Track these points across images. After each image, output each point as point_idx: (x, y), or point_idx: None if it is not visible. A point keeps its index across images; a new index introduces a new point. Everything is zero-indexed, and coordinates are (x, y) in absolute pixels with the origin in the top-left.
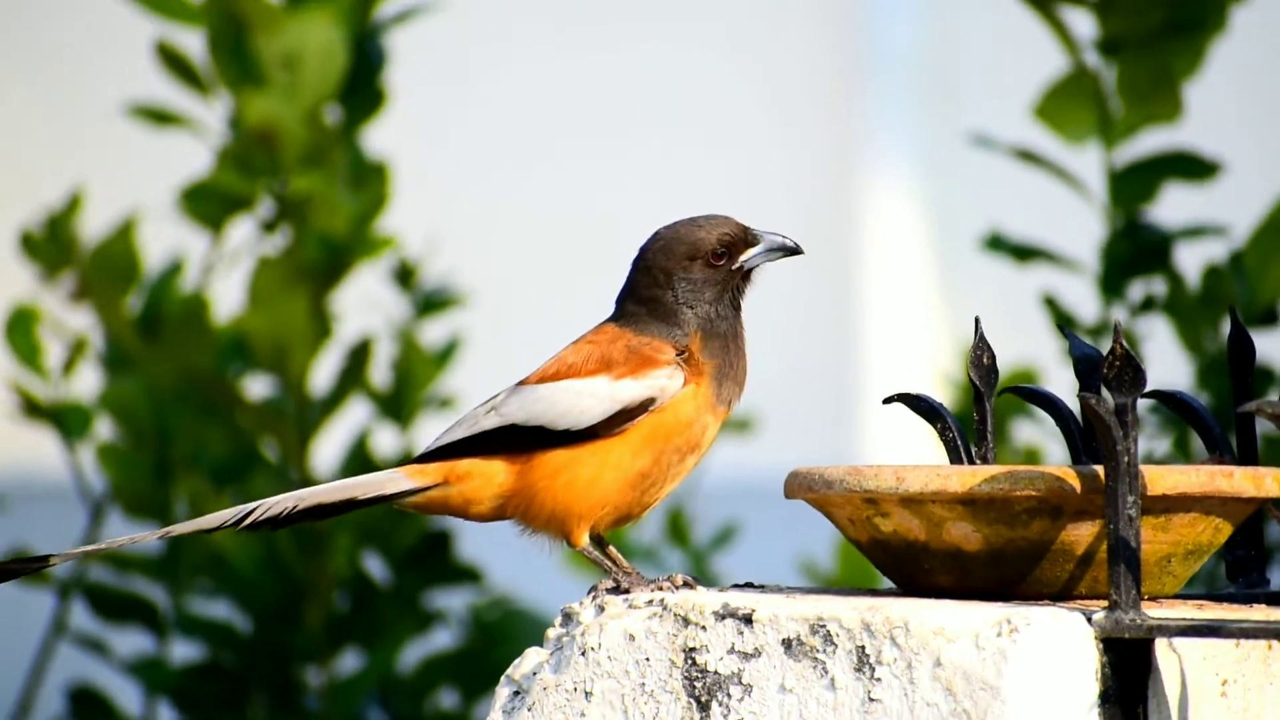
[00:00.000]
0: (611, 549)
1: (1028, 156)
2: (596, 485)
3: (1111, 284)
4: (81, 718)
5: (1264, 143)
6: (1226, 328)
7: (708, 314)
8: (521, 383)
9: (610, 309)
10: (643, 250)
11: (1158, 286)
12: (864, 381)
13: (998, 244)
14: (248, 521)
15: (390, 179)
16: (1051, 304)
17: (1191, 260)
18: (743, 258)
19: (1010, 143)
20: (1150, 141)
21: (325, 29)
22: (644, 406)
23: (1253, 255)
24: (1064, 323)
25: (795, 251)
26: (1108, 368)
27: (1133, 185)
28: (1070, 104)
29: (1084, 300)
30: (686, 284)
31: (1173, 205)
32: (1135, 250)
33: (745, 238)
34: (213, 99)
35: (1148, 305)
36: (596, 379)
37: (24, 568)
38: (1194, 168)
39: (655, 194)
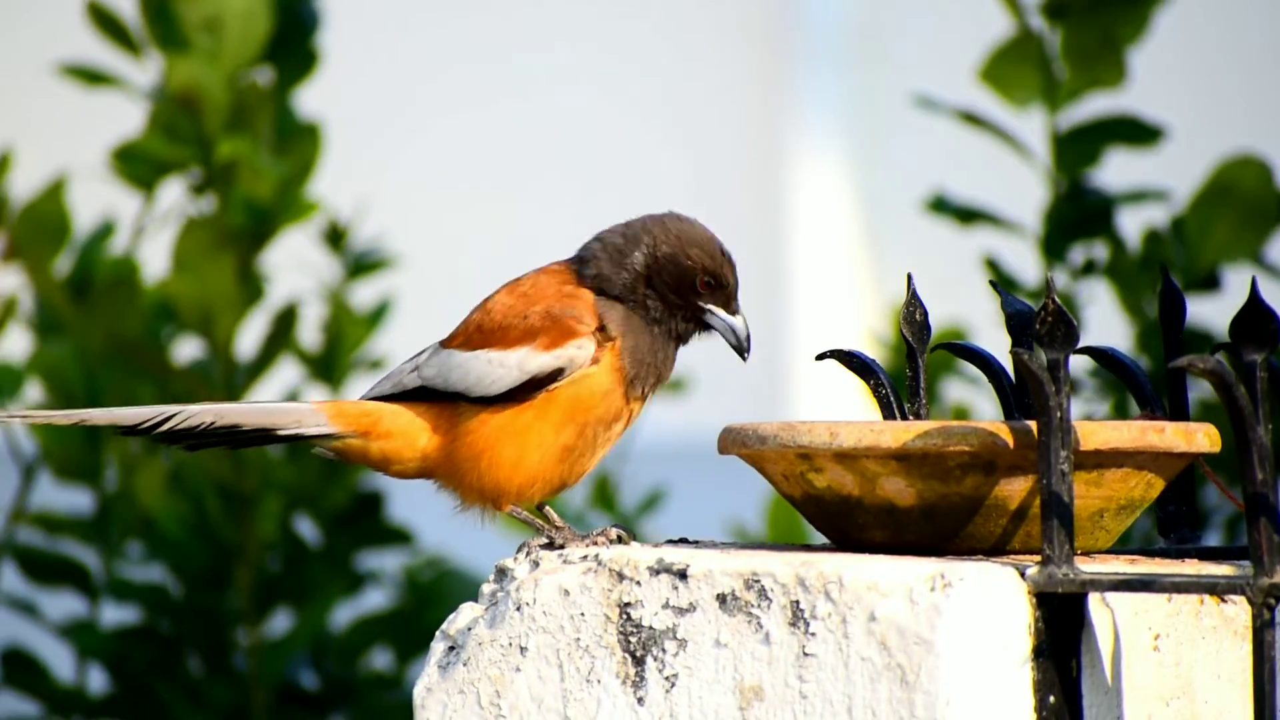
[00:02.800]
0: (548, 509)
1: (972, 119)
2: (522, 464)
3: (1053, 247)
4: (13, 680)
5: (1206, 108)
6: None
7: (648, 313)
8: (445, 342)
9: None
10: (647, 225)
11: (1099, 251)
12: (793, 342)
13: (941, 206)
14: (165, 426)
15: (321, 141)
16: (993, 266)
17: (1134, 225)
18: (708, 306)
19: (955, 105)
20: (1094, 106)
21: None
22: (553, 377)
23: (1192, 220)
24: (1005, 285)
25: (741, 350)
26: (1040, 323)
27: (1076, 149)
28: (1015, 68)
29: (1023, 264)
30: (662, 272)
31: (1115, 170)
32: (1078, 214)
33: (726, 288)
34: (144, 59)
35: (1089, 269)
36: (515, 352)
37: None
38: (1138, 132)
39: (584, 156)
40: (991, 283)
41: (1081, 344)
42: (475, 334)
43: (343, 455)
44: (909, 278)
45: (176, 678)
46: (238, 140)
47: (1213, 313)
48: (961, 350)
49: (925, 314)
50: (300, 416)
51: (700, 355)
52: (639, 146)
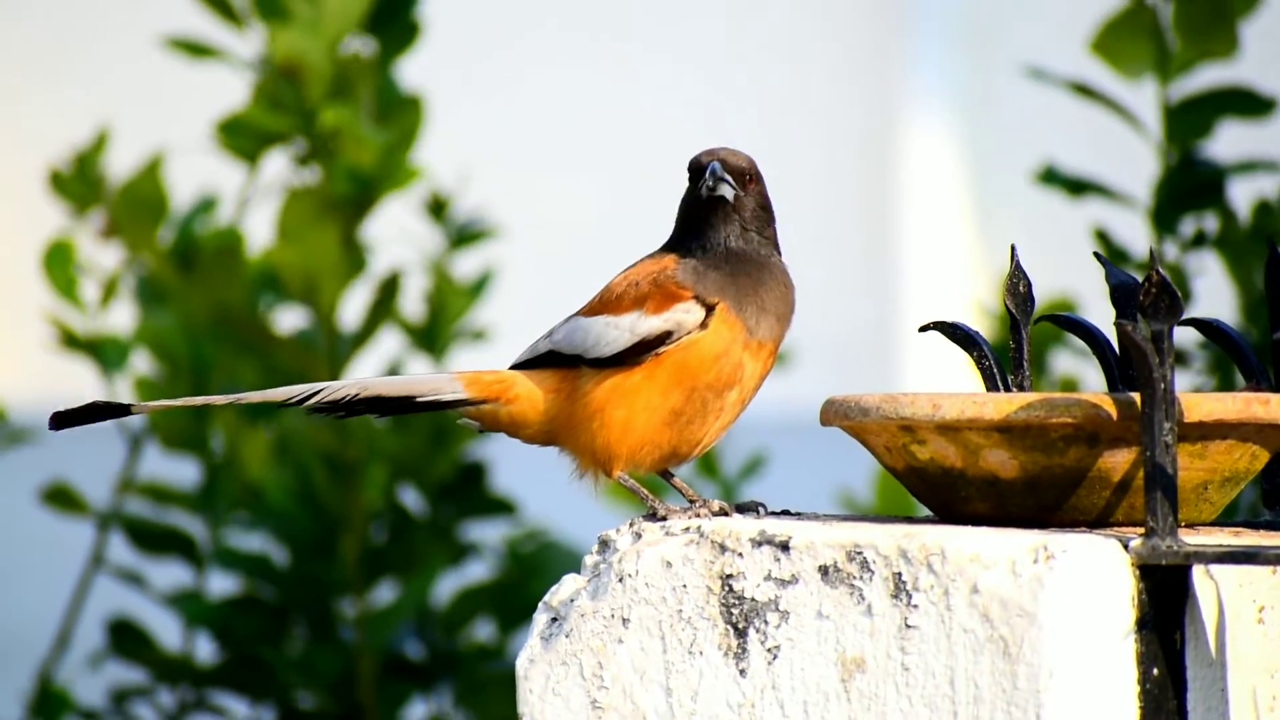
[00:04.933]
0: (677, 479)
1: (1083, 90)
2: (631, 427)
3: (1164, 219)
4: (121, 649)
5: None
6: None
7: (694, 242)
8: (576, 313)
9: (639, 242)
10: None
11: (1210, 222)
12: (900, 314)
13: (1051, 177)
14: (312, 401)
15: (423, 111)
16: (1102, 238)
17: (1244, 196)
18: (698, 185)
19: (1067, 76)
20: (1205, 77)
21: None
22: (661, 339)
23: None
24: (1115, 257)
25: (710, 184)
26: (1144, 295)
27: (1188, 121)
28: (1127, 39)
29: (1133, 236)
30: (681, 209)
31: (1226, 141)
32: (1189, 185)
33: (697, 168)
34: (247, 31)
35: (1199, 240)
36: (628, 315)
37: (105, 412)
38: (1250, 104)
39: (691, 128)
40: (1096, 254)
41: (1189, 315)
42: (598, 304)
43: (482, 422)
44: (1012, 249)
45: (282, 647)
46: (340, 109)
47: None
48: (1065, 322)
49: (1029, 286)
50: (438, 385)
51: (806, 328)
52: (750, 117)
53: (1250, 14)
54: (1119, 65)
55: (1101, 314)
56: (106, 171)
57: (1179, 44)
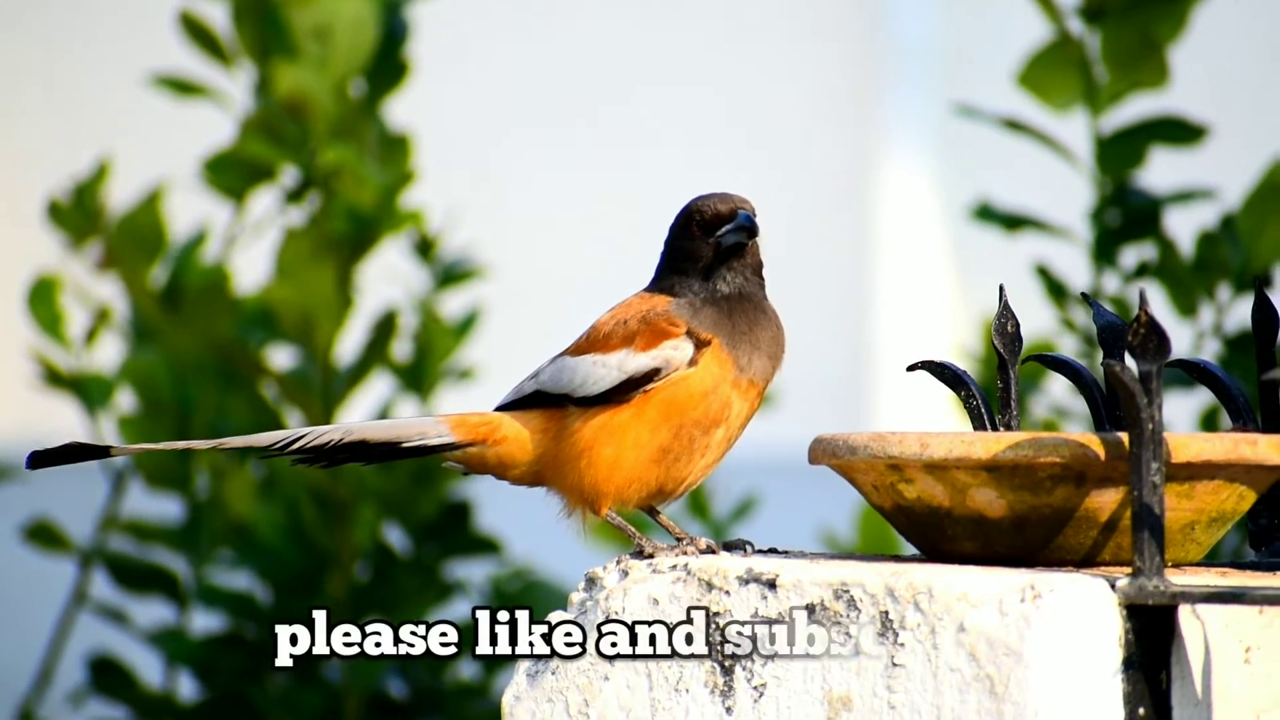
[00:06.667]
0: (664, 517)
1: (1014, 125)
2: (619, 464)
3: (1103, 251)
4: (102, 687)
5: (1250, 105)
6: (1222, 294)
7: (693, 285)
8: (562, 353)
9: (624, 282)
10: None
11: (1149, 252)
12: (879, 355)
13: (987, 214)
14: (295, 446)
15: (413, 151)
16: (1044, 273)
17: (1183, 226)
18: (718, 232)
19: (995, 112)
20: (1137, 107)
21: (355, 1)
22: (649, 377)
23: (1246, 219)
24: (1055, 291)
25: (750, 231)
26: (1133, 335)
27: (1120, 151)
28: (1055, 72)
29: (1080, 269)
30: (678, 253)
31: (1162, 171)
32: (1125, 216)
33: (730, 215)
34: (236, 70)
35: (1141, 272)
36: (616, 353)
37: (84, 453)
38: (1181, 132)
39: (675, 170)
40: (1084, 295)
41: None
42: (584, 343)
43: (468, 465)
44: (1000, 289)
45: (266, 685)
46: (342, 148)
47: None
48: (1053, 362)
49: (1016, 325)
50: (424, 429)
51: (786, 370)
52: (730, 161)
53: (1177, 40)
54: (1048, 98)
55: (1071, 349)
56: (105, 203)
57: (1108, 75)
